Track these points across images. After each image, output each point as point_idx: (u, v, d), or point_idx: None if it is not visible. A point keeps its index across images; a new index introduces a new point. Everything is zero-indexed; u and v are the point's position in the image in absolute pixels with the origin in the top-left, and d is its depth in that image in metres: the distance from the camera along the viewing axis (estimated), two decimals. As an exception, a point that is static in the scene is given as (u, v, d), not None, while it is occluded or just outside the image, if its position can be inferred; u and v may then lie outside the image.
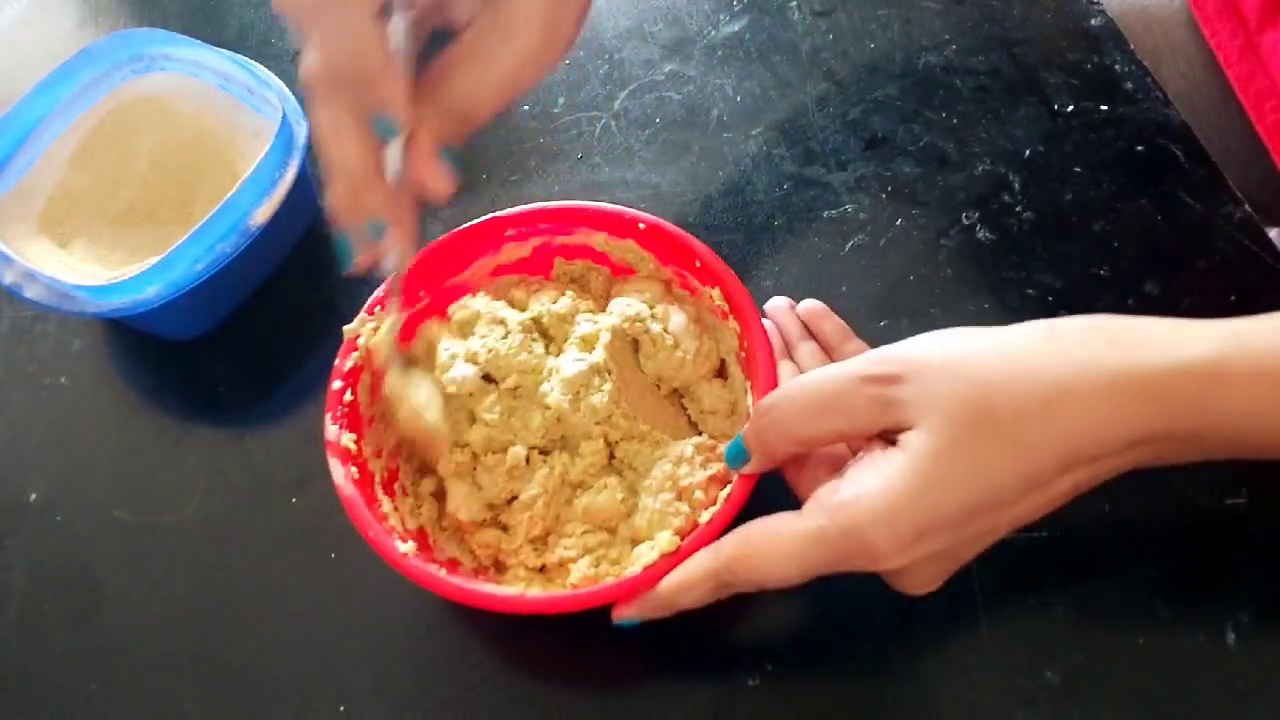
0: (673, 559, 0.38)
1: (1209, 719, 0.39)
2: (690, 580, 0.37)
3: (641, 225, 0.45)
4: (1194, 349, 0.33)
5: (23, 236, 0.50)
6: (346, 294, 0.53)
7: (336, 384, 0.43)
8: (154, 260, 0.46)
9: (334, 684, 0.43)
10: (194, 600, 0.45)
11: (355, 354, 0.44)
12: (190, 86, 0.54)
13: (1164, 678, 0.39)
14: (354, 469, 0.41)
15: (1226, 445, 0.35)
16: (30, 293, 0.47)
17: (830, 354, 0.45)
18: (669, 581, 0.37)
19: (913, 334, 0.48)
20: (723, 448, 0.41)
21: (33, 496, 0.49)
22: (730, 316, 0.44)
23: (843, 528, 0.34)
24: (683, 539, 0.39)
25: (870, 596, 0.41)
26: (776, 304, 0.48)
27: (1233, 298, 0.48)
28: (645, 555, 0.39)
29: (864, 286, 0.50)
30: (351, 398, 0.43)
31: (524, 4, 0.35)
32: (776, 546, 0.35)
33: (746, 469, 0.39)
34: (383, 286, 0.43)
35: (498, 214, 0.46)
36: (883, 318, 0.49)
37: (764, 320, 0.44)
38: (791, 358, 0.46)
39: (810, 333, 0.46)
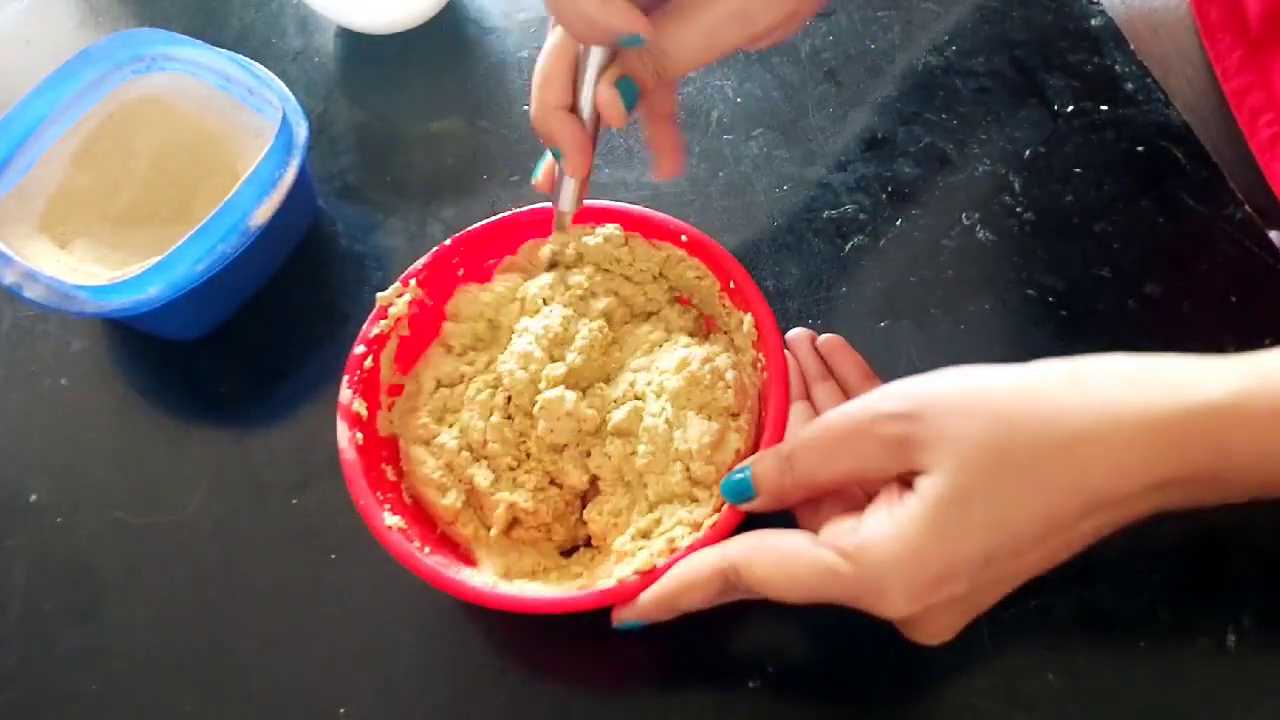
0: (649, 576, 0.38)
1: (1209, 721, 0.39)
2: (696, 579, 0.36)
3: (684, 238, 0.45)
4: (1214, 389, 0.32)
5: (23, 237, 0.50)
6: (347, 295, 0.53)
7: (359, 349, 0.43)
8: (154, 260, 0.46)
9: (334, 684, 0.43)
10: (194, 601, 0.45)
11: (383, 321, 0.44)
12: (190, 87, 0.54)
13: (1165, 681, 0.39)
14: (359, 435, 0.42)
15: (1251, 486, 0.34)
16: (30, 293, 0.47)
17: (849, 395, 0.44)
18: (671, 581, 0.37)
19: (913, 335, 0.48)
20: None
21: (33, 497, 0.49)
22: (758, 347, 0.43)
23: (857, 571, 0.33)
24: (661, 558, 0.38)
25: (870, 598, 0.41)
26: (797, 337, 0.47)
27: (1233, 299, 0.48)
28: (620, 572, 0.38)
29: (864, 287, 0.50)
30: (372, 364, 0.44)
31: None
32: (786, 566, 0.35)
33: (749, 507, 0.38)
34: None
35: (547, 205, 0.46)
36: (883, 318, 0.49)
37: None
38: (809, 397, 0.45)
39: (829, 368, 0.46)
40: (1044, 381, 0.34)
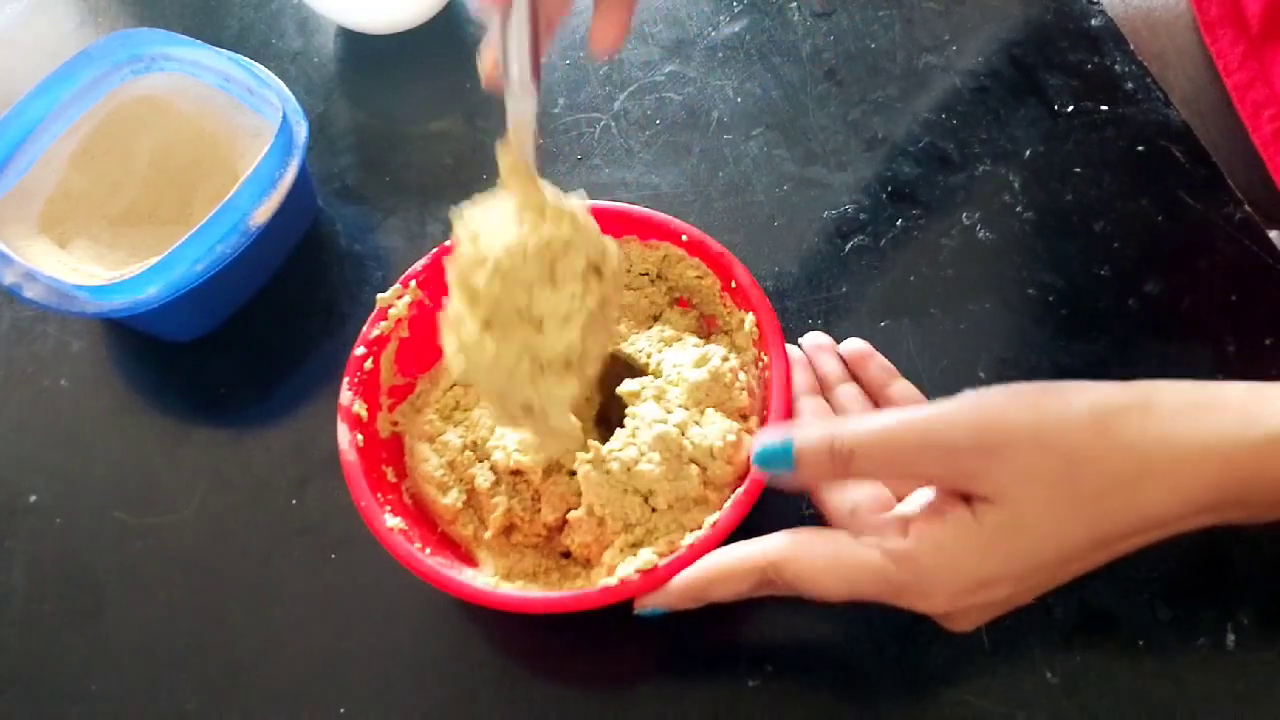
0: (650, 577, 0.37)
1: (1209, 720, 0.39)
2: (733, 572, 0.37)
3: (684, 238, 0.45)
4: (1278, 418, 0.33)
5: (23, 237, 0.50)
6: (347, 294, 0.53)
7: (360, 350, 0.44)
8: (154, 260, 0.46)
9: (334, 684, 0.43)
10: (194, 601, 0.45)
11: (384, 323, 0.44)
12: (190, 87, 0.54)
13: (1163, 679, 0.39)
14: (360, 436, 0.42)
15: None
16: (30, 293, 0.47)
17: (874, 396, 0.44)
18: (707, 570, 0.37)
19: (913, 334, 0.48)
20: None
21: (33, 498, 0.49)
22: (757, 344, 0.43)
23: (904, 575, 0.34)
24: (661, 559, 0.38)
25: (870, 597, 0.41)
26: (817, 342, 0.46)
27: (1233, 298, 0.48)
28: (623, 571, 0.38)
29: (864, 286, 0.50)
30: (372, 366, 0.44)
31: None
32: (832, 563, 0.35)
33: (781, 482, 0.37)
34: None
35: None
36: (883, 318, 0.49)
37: (794, 349, 0.43)
38: (827, 397, 0.44)
39: (852, 372, 0.45)
40: (1118, 414, 0.34)
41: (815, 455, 0.35)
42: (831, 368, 0.45)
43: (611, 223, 0.46)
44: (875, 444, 0.35)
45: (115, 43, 0.53)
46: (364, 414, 0.43)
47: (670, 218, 0.46)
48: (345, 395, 0.43)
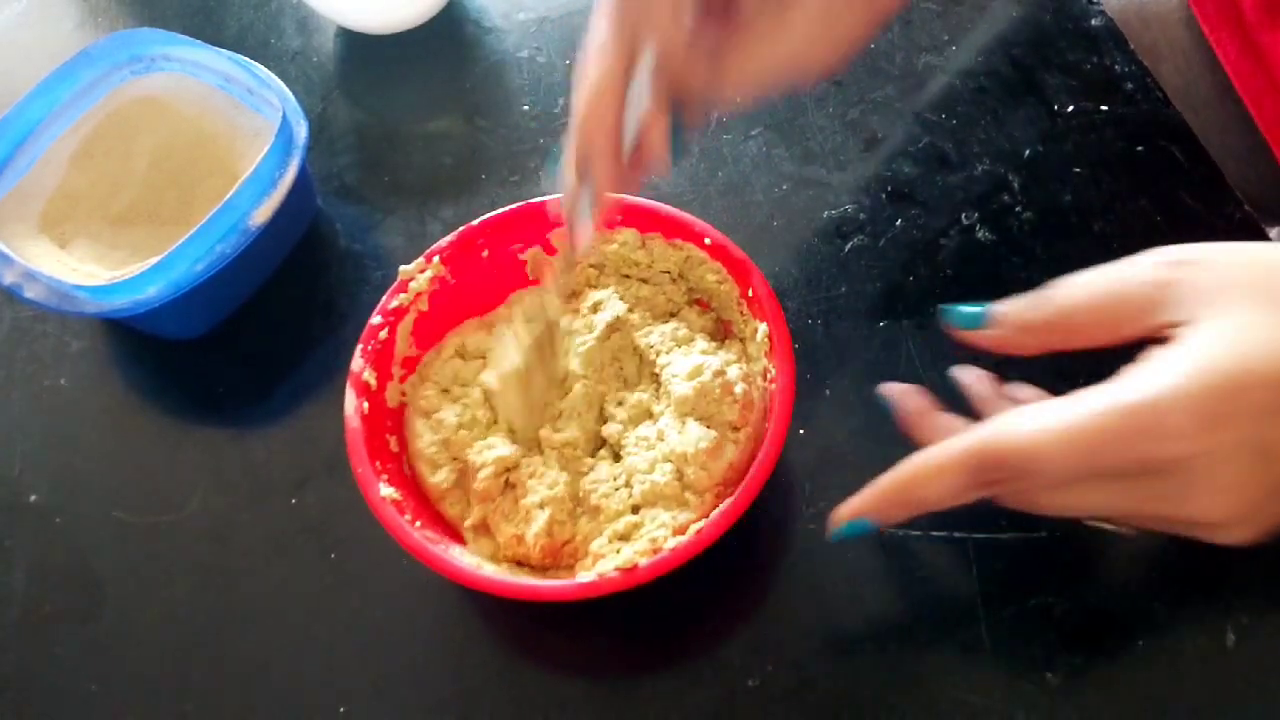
0: (631, 574, 0.37)
1: (1209, 720, 0.39)
2: (944, 462, 0.32)
3: (708, 240, 0.45)
4: None
5: (23, 237, 0.50)
6: (346, 294, 0.53)
7: (376, 319, 0.44)
8: (154, 260, 0.46)
9: (334, 684, 0.43)
10: (194, 600, 0.45)
11: (403, 295, 0.45)
12: (190, 87, 0.54)
13: (1164, 679, 0.39)
14: (366, 404, 0.42)
15: None
16: (30, 293, 0.47)
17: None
18: (909, 466, 0.33)
19: (913, 335, 0.48)
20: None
21: (32, 497, 0.49)
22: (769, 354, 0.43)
23: (1135, 399, 0.30)
24: (642, 558, 0.38)
25: (871, 596, 0.41)
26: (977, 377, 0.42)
27: (1233, 298, 0.48)
28: (602, 566, 0.38)
29: (864, 286, 0.50)
30: (387, 336, 0.44)
31: (801, 6, 0.35)
32: (1049, 420, 0.31)
33: (982, 336, 0.36)
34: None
35: None
36: (883, 318, 0.49)
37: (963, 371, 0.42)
38: (981, 407, 0.41)
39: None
40: None
41: (1014, 306, 0.35)
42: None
43: (638, 219, 0.46)
44: (1075, 285, 0.34)
45: (115, 43, 0.53)
46: (373, 382, 0.43)
47: (695, 219, 0.45)
48: (357, 362, 0.43)
